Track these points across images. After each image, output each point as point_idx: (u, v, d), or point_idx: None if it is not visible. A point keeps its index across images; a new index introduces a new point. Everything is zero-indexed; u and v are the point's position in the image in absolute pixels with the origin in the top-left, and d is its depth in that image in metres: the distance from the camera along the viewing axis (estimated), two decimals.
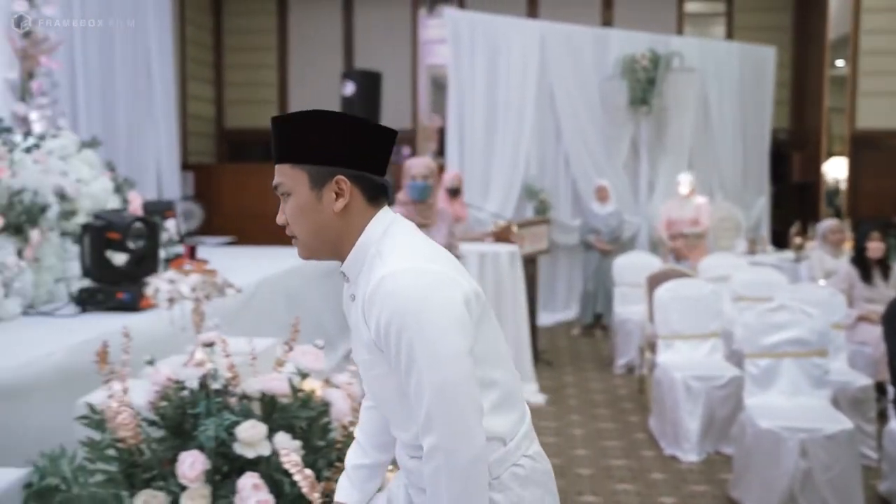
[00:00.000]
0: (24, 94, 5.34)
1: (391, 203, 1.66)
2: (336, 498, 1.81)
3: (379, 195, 1.57)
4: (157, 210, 4.99)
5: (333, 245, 1.57)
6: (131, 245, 3.96)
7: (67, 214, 4.29)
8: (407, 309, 1.42)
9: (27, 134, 4.54)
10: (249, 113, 11.06)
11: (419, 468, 1.51)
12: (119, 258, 4.01)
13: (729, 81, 9.44)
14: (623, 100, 8.79)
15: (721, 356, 5.02)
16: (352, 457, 1.81)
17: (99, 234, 3.90)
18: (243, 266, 5.22)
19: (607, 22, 10.38)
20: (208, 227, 8.99)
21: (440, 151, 11.58)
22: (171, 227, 5.13)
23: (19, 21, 5.37)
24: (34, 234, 3.88)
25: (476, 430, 1.44)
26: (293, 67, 11.06)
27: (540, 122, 8.82)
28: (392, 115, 9.78)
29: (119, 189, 4.86)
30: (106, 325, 3.60)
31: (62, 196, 4.26)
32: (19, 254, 3.81)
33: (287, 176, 1.54)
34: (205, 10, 10.86)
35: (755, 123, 9.72)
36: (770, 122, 9.89)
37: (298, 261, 6.22)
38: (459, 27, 8.57)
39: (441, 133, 11.51)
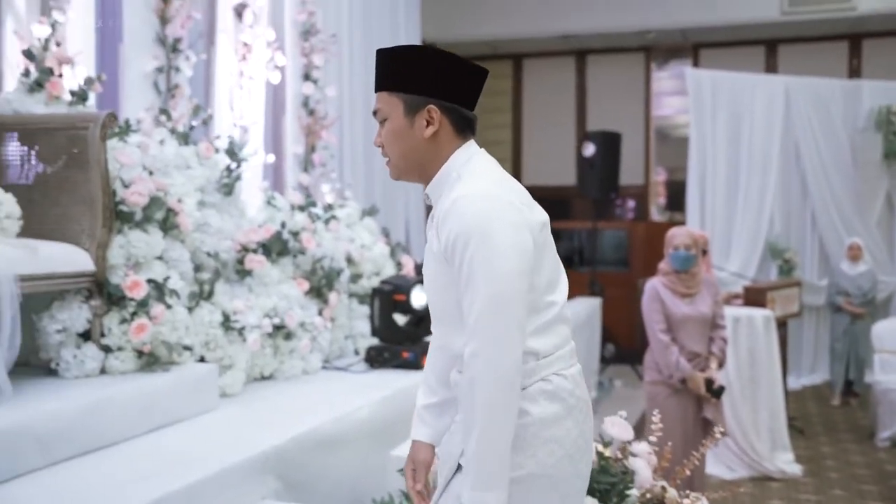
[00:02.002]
0: (307, 165, 5.97)
1: (474, 133, 1.75)
2: (411, 436, 1.90)
3: (466, 128, 1.72)
4: None
5: (421, 168, 1.71)
6: (415, 306, 4.32)
7: (354, 277, 4.74)
8: (474, 227, 1.55)
9: (312, 204, 5.06)
10: None
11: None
12: (402, 319, 4.38)
13: None
14: (876, 154, 8.38)
15: None
16: (421, 397, 1.91)
17: (387, 298, 4.29)
18: None
19: (855, 72, 9.95)
20: None
21: (668, 206, 11.51)
22: None
23: (307, 101, 6.03)
24: (332, 297, 4.33)
25: (516, 344, 1.55)
26: (527, 126, 11.44)
27: (784, 178, 8.58)
28: (624, 170, 9.86)
29: (393, 253, 5.30)
30: (396, 382, 3.95)
31: (350, 261, 4.72)
32: (320, 313, 4.27)
33: (385, 103, 1.70)
34: None
35: None
36: None
37: None
38: (701, 85, 8.55)
39: (667, 186, 11.46)
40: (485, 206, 1.58)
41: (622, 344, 8.89)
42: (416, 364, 4.15)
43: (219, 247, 3.84)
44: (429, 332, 4.40)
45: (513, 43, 10.82)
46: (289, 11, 6.08)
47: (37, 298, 3.07)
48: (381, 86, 1.71)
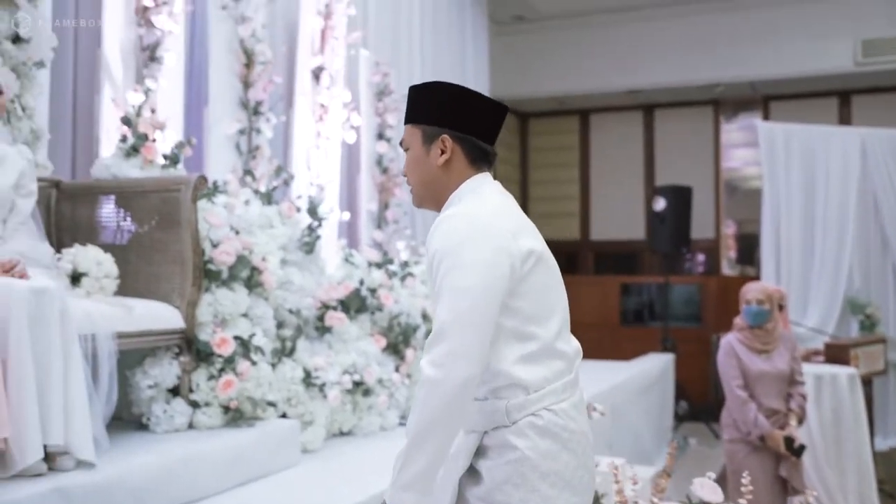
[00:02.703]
0: (380, 222, 6.07)
1: (490, 164, 1.80)
2: None
3: (480, 159, 1.78)
4: None
5: (436, 194, 1.78)
6: None
7: (430, 334, 4.77)
8: (449, 245, 1.61)
9: (389, 261, 5.12)
10: (553, 225, 11.54)
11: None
12: None
13: None
14: None
15: None
16: None
17: None
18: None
19: None
20: None
21: (739, 259, 11.32)
22: None
23: (380, 160, 6.15)
24: (409, 353, 4.37)
25: (473, 358, 1.56)
26: (594, 181, 11.44)
27: (863, 230, 8.38)
28: (694, 224, 9.78)
29: None
30: None
31: (426, 317, 4.76)
32: (397, 370, 4.30)
33: (409, 134, 1.81)
34: (512, 132, 11.63)
35: None
36: None
37: (621, 377, 6.33)
38: (773, 137, 8.46)
39: (738, 240, 11.29)
40: (462, 225, 1.64)
41: (696, 401, 8.70)
42: None
43: (300, 304, 3.92)
44: None
45: (580, 98, 10.90)
46: (364, 73, 6.25)
47: (130, 355, 3.17)
48: (406, 119, 1.83)
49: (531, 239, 1.71)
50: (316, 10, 5.63)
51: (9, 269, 2.55)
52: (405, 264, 5.07)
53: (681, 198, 8.41)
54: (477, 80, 8.85)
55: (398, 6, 7.08)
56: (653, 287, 10.10)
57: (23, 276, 2.56)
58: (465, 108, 1.76)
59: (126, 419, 3.28)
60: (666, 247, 8.36)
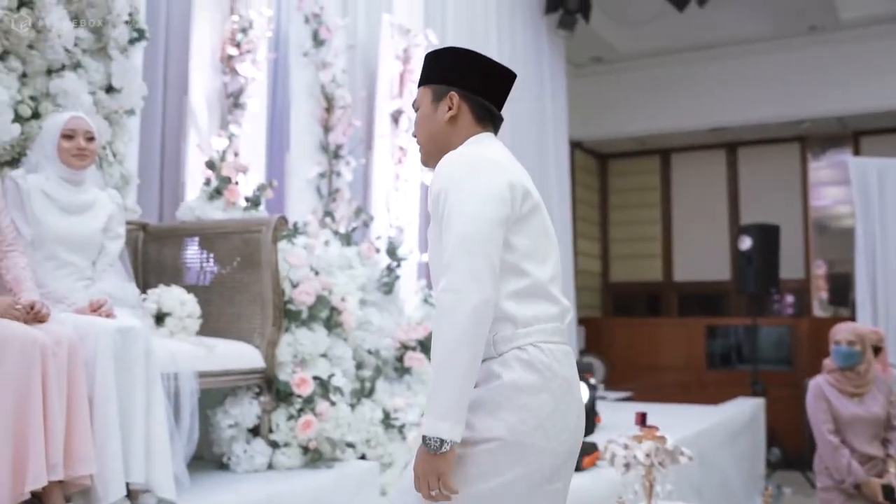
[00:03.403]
0: None
1: (496, 127, 1.86)
2: None
3: (486, 119, 1.83)
4: (581, 369, 5.25)
5: (442, 150, 1.79)
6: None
7: None
8: (454, 177, 1.67)
9: None
10: (634, 267, 11.35)
11: None
12: None
13: None
14: None
15: None
16: None
17: None
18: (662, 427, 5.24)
19: None
20: (604, 382, 9.22)
21: (831, 300, 10.89)
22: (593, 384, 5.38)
23: None
24: None
25: (485, 281, 1.58)
26: (677, 221, 11.23)
27: None
28: (783, 264, 9.47)
29: None
30: None
31: None
32: None
33: (420, 95, 1.87)
34: (592, 173, 11.55)
35: None
36: None
37: (708, 422, 6.10)
38: (865, 174, 8.17)
39: (829, 280, 10.87)
40: (463, 161, 1.70)
41: (789, 448, 8.33)
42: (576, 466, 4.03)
43: (379, 344, 3.92)
44: (588, 432, 4.29)
45: (660, 138, 10.76)
46: None
47: (212, 394, 3.21)
48: (420, 83, 1.91)
49: (530, 185, 1.76)
50: (394, 55, 5.72)
51: (96, 309, 2.61)
52: None
53: (768, 237, 8.16)
54: (555, 122, 8.83)
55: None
56: (740, 329, 9.80)
57: (109, 315, 2.61)
58: (473, 69, 1.83)
59: (207, 458, 3.30)
60: (753, 287, 8.11)
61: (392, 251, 4.34)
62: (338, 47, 5.08)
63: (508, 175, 1.70)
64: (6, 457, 2.19)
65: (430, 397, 1.59)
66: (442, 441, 1.56)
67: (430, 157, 1.88)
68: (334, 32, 5.03)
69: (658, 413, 6.35)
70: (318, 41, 4.98)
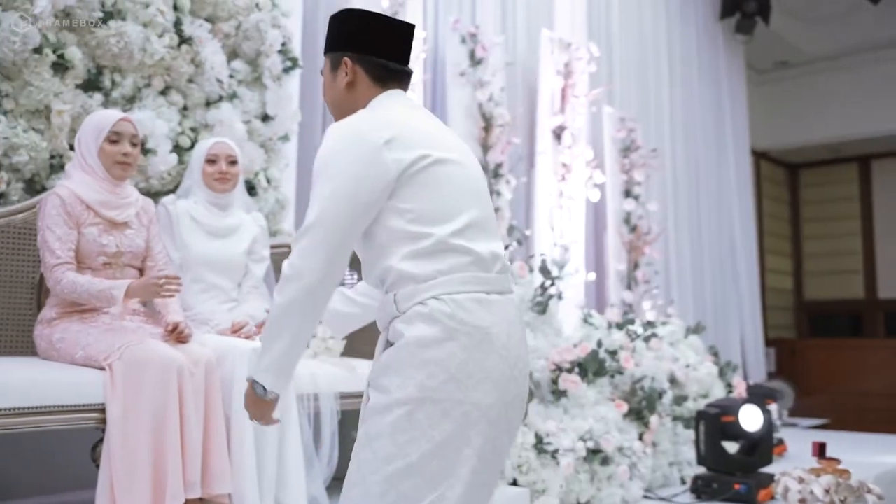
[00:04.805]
0: (630, 282, 5.81)
1: (401, 82, 1.81)
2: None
3: (387, 77, 1.79)
4: (760, 395, 4.88)
5: (347, 116, 1.75)
6: (746, 430, 3.91)
7: (679, 399, 4.43)
8: (324, 154, 1.66)
9: (630, 322, 4.84)
10: (831, 284, 10.53)
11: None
12: (732, 446, 3.97)
13: None
14: None
15: None
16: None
17: (714, 421, 3.92)
18: (860, 460, 4.74)
19: None
20: (796, 408, 8.56)
21: None
22: (772, 411, 4.97)
23: (628, 217, 5.93)
24: (653, 420, 4.06)
25: (317, 264, 1.59)
26: (880, 233, 10.31)
27: None
28: None
29: (722, 373, 4.90)
30: None
31: (673, 381, 4.43)
32: (640, 438, 4.00)
33: (324, 64, 1.86)
34: (780, 184, 10.84)
35: None
36: None
37: None
38: None
39: None
40: (335, 136, 1.67)
41: None
42: (749, 498, 3.71)
43: (533, 366, 3.77)
44: (765, 462, 3.95)
45: (858, 144, 9.95)
46: (608, 130, 6.10)
47: (353, 415, 3.19)
48: (324, 51, 1.89)
49: (420, 148, 1.68)
50: (555, 70, 5.60)
51: (237, 330, 2.67)
52: (650, 325, 4.77)
53: None
54: (735, 131, 8.36)
55: (644, 62, 6.89)
56: None
57: (249, 337, 2.66)
58: (363, 29, 1.80)
59: None
60: None
61: (545, 270, 4.19)
62: (495, 65, 5.04)
63: (377, 149, 1.64)
64: (146, 474, 2.26)
65: (261, 350, 1.68)
66: (265, 389, 1.67)
67: None
68: (490, 50, 4.99)
69: (854, 443, 5.78)
70: (474, 60, 4.95)
